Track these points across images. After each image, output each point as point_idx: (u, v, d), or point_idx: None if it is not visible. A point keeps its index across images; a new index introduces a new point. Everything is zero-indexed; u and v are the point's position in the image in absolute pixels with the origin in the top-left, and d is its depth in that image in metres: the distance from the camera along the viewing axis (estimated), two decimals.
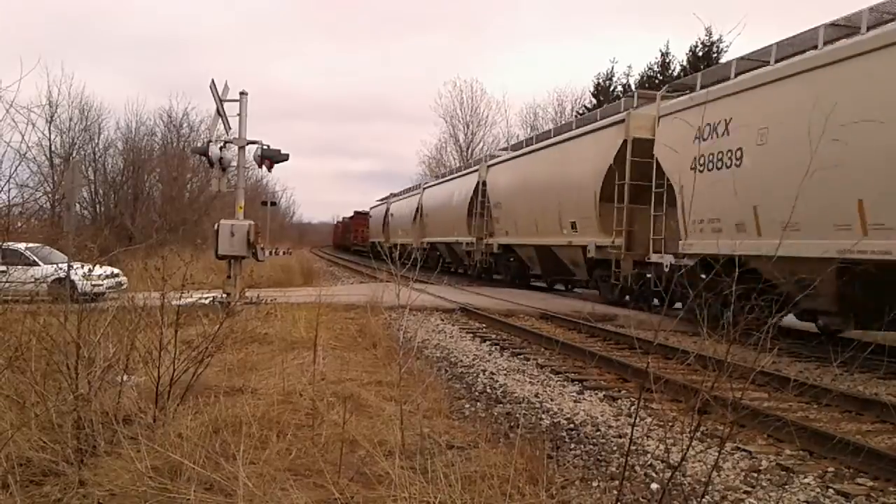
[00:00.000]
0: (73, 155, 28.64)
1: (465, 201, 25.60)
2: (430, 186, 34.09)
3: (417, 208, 33.76)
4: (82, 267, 8.60)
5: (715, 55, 32.68)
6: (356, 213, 57.79)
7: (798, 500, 4.38)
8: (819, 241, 8.93)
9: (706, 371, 3.43)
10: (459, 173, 29.38)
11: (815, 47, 9.97)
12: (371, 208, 50.81)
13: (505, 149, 26.20)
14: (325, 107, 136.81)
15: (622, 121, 14.93)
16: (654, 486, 4.43)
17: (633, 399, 6.91)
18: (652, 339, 9.15)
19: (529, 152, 20.59)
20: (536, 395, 7.09)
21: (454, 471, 3.52)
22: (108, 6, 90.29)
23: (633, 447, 5.30)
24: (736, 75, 11.55)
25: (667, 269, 12.59)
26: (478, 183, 24.38)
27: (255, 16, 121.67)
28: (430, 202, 32.05)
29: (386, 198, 45.68)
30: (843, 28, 9.82)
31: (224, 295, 10.84)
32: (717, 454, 5.18)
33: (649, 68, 37.66)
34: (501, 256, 23.08)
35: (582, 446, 5.40)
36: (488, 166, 24.29)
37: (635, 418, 3.59)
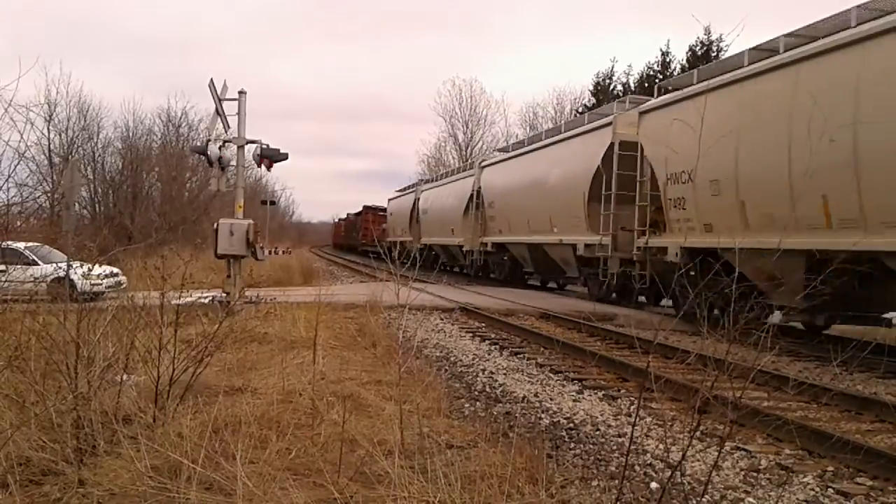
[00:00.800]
0: (73, 154, 28.65)
1: (588, 174, 15.80)
2: (493, 163, 23.61)
3: (472, 195, 24.42)
4: (81, 266, 8.59)
5: (714, 54, 32.66)
6: (366, 207, 49.32)
7: (797, 499, 4.38)
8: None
9: (706, 370, 3.43)
10: (577, 129, 17.74)
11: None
12: (390, 200, 41.85)
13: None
14: (325, 107, 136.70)
15: None
16: (653, 485, 4.43)
17: (632, 398, 6.91)
18: (652, 338, 9.16)
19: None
20: (536, 395, 7.09)
21: (454, 470, 3.52)
22: (107, 6, 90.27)
23: (632, 446, 5.31)
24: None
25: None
26: (609, 147, 14.99)
27: (255, 16, 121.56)
28: (500, 183, 22.11)
29: (413, 185, 37.04)
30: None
31: (223, 294, 10.84)
32: (717, 453, 5.19)
33: (649, 67, 37.69)
34: (670, 271, 11.73)
35: (581, 446, 5.40)
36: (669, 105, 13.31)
37: (636, 418, 3.59)
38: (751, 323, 3.21)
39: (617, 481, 4.34)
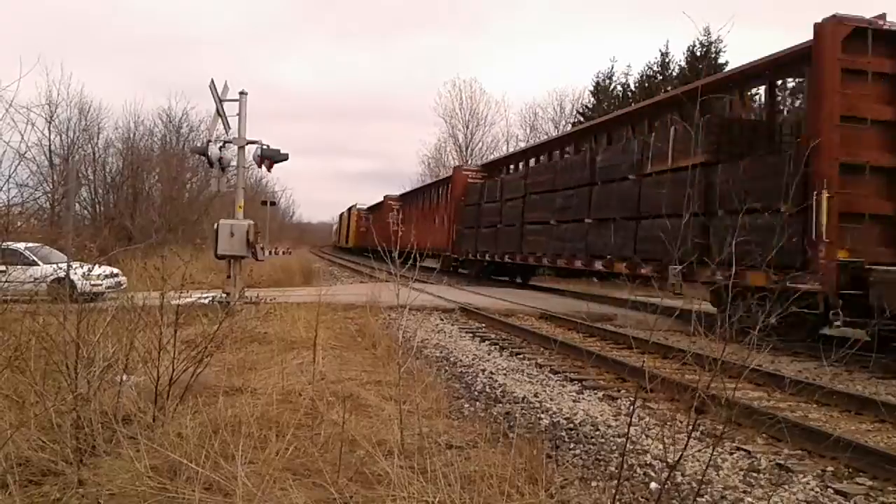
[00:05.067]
0: (73, 155, 28.65)
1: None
2: None
3: None
4: (82, 267, 8.59)
5: (713, 55, 32.66)
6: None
7: (797, 499, 4.38)
8: None
9: (702, 370, 3.43)
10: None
11: None
12: None
13: None
14: (325, 107, 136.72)
15: None
16: (653, 485, 4.43)
17: (632, 398, 6.91)
18: (652, 338, 9.14)
19: None
20: (536, 395, 7.09)
21: (453, 470, 3.52)
22: (107, 6, 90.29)
23: (632, 447, 5.31)
24: None
25: None
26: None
27: (256, 16, 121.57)
28: None
29: None
30: None
31: (223, 294, 10.84)
32: (717, 453, 5.19)
33: (649, 67, 37.69)
34: None
35: (581, 446, 5.41)
36: None
37: (631, 417, 3.60)
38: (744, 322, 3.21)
39: (616, 481, 4.35)
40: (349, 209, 52.95)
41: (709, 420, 5.56)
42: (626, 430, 5.67)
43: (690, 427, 3.26)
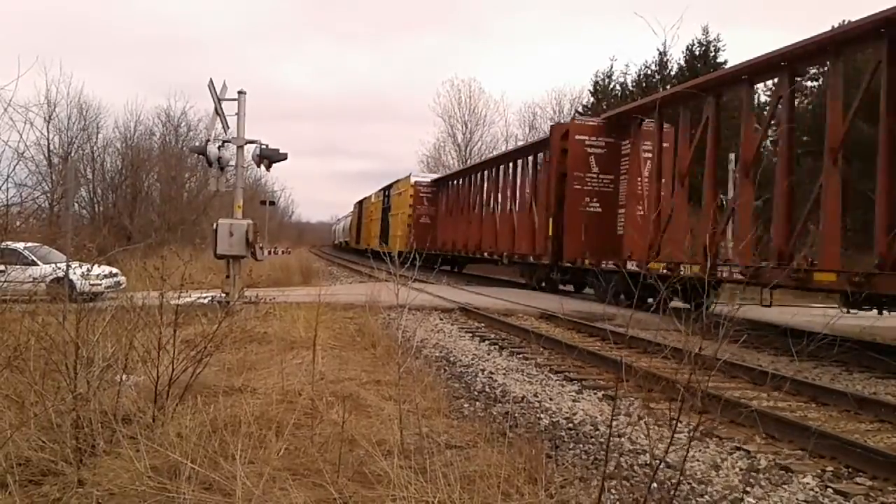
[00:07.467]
0: (72, 154, 28.64)
1: None
2: None
3: None
4: (81, 266, 8.58)
5: (712, 54, 32.68)
6: None
7: (797, 499, 4.38)
8: None
9: (684, 365, 3.44)
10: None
11: None
12: None
13: None
14: (325, 107, 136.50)
15: None
16: (653, 485, 4.43)
17: (632, 398, 6.91)
18: (652, 337, 9.17)
19: None
20: (535, 395, 7.09)
21: (453, 470, 3.52)
22: (107, 6, 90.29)
23: (631, 447, 5.31)
24: None
25: None
26: None
27: (255, 16, 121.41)
28: None
29: None
30: None
31: (223, 294, 10.83)
32: (716, 453, 5.20)
33: (647, 67, 37.70)
34: None
35: (581, 446, 5.41)
36: None
37: (614, 407, 3.61)
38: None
39: (615, 481, 4.35)
40: (386, 189, 34.93)
41: (707, 420, 5.57)
42: (625, 430, 5.67)
43: (674, 422, 3.28)
